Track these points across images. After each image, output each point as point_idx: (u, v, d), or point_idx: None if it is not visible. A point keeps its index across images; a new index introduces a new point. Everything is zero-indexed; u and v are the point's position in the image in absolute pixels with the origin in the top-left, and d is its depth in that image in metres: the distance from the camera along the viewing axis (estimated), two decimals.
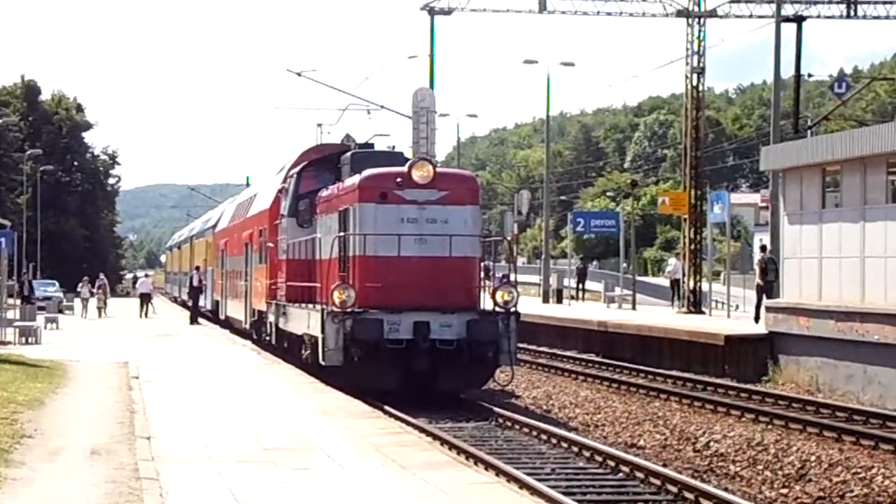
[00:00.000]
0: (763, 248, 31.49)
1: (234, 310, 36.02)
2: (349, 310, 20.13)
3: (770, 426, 19.00)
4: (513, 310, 20.69)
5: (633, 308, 42.60)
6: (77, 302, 51.02)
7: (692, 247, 39.36)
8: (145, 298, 50.15)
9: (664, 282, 52.24)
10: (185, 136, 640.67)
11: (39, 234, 73.91)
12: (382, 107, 42.34)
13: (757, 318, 28.88)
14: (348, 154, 24.28)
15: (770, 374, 24.96)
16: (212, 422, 15.90)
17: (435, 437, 16.49)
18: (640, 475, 14.59)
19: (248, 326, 32.42)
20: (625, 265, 50.99)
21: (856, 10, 40.99)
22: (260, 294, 29.53)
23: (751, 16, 40.94)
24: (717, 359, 26.19)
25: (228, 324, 38.38)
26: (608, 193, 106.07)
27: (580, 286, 53.69)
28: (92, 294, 50.02)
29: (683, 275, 39.88)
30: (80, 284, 51.85)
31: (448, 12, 41.96)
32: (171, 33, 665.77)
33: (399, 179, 20.66)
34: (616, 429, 19.57)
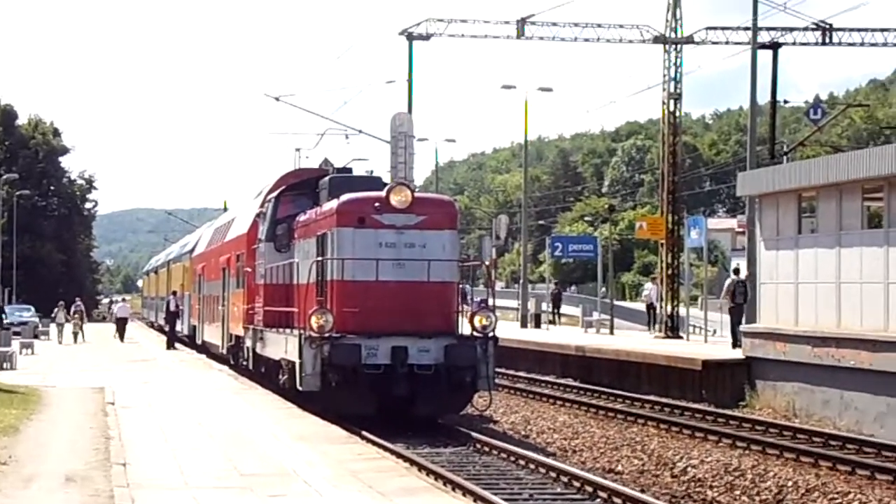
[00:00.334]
0: (736, 272, 31.67)
1: (212, 335, 35.88)
2: (327, 335, 20.07)
3: (747, 451, 19.03)
4: (491, 334, 20.68)
5: (611, 333, 42.63)
6: (53, 327, 50.66)
7: (669, 272, 39.48)
8: (122, 322, 50.52)
9: (642, 306, 52.38)
10: (163, 160, 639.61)
11: (15, 258, 73.47)
12: (360, 131, 42.39)
13: (734, 344, 28.97)
14: (326, 179, 24.27)
15: (747, 399, 25.01)
16: (188, 448, 15.81)
17: (412, 462, 16.44)
18: (617, 501, 14.58)
19: (225, 351, 32.30)
20: (603, 290, 51.09)
21: (831, 38, 41.31)
22: (237, 319, 29.43)
23: (727, 42, 41.23)
24: (695, 384, 26.22)
25: (205, 349, 38.23)
26: (586, 218, 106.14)
27: (556, 311, 53.84)
28: (68, 319, 49.73)
29: (661, 299, 40.02)
30: (56, 309, 51.53)
31: (426, 38, 42.12)
32: (148, 58, 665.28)
33: (377, 204, 20.66)
34: (594, 454, 19.56)
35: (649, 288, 45.71)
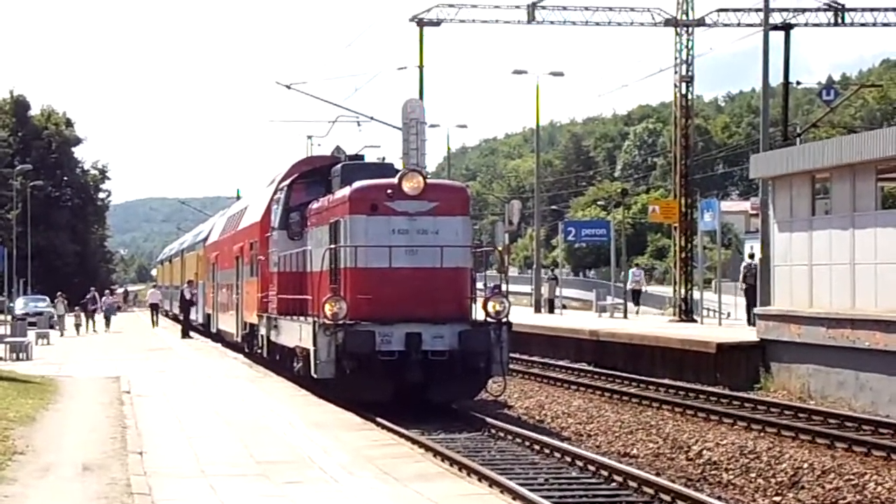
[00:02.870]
0: (751, 256, 34.33)
1: (226, 323, 35.98)
2: (341, 322, 20.10)
3: (762, 434, 19.03)
4: (504, 320, 20.69)
5: (625, 317, 42.63)
6: (68, 319, 50.19)
7: (683, 255, 39.45)
8: (154, 308, 51.56)
9: (654, 290, 52.71)
10: (175, 149, 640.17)
11: (30, 249, 73.73)
12: (372, 118, 42.41)
13: (750, 322, 30.57)
14: (338, 166, 24.27)
15: (762, 382, 24.99)
16: (204, 436, 15.88)
17: (427, 448, 16.48)
18: (633, 484, 14.59)
19: (239, 339, 32.39)
20: (623, 273, 51.32)
21: (843, 18, 41.13)
22: (251, 307, 29.49)
23: (739, 24, 41.06)
24: (709, 367, 26.20)
25: (220, 337, 38.34)
26: (599, 202, 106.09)
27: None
28: (72, 311, 49.47)
29: (676, 283, 40.27)
30: (56, 301, 50.74)
31: (437, 24, 42.02)
32: (160, 47, 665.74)
33: (389, 191, 20.67)
34: (609, 438, 19.57)
35: (635, 272, 50.06)
